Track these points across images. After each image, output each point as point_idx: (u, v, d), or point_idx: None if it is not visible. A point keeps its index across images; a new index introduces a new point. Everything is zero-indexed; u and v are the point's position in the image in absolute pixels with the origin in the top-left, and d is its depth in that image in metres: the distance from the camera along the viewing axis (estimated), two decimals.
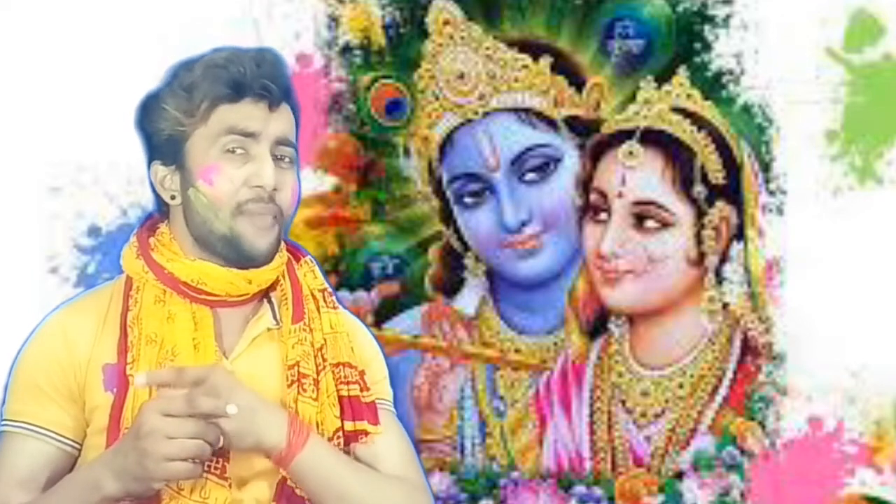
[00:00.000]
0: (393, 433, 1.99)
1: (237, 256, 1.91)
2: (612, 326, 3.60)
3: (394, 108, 3.63)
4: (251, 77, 1.90)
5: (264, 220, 1.91)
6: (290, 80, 1.96)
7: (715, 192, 3.51)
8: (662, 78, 3.52)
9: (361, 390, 1.95)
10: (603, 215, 3.56)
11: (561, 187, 3.58)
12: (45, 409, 1.90)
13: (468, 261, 3.66)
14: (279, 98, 1.92)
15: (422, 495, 1.96)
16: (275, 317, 1.96)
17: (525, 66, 3.57)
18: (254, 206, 1.90)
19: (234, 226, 1.90)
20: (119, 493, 1.79)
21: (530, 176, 3.59)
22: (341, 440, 1.93)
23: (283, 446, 1.83)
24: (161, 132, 1.93)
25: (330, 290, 2.02)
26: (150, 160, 1.96)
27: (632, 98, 3.54)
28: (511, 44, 3.58)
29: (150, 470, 1.75)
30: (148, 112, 1.94)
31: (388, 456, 1.96)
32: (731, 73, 3.49)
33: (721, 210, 3.51)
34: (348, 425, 1.93)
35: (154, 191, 1.98)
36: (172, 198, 1.95)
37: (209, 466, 1.85)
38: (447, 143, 3.62)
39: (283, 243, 2.01)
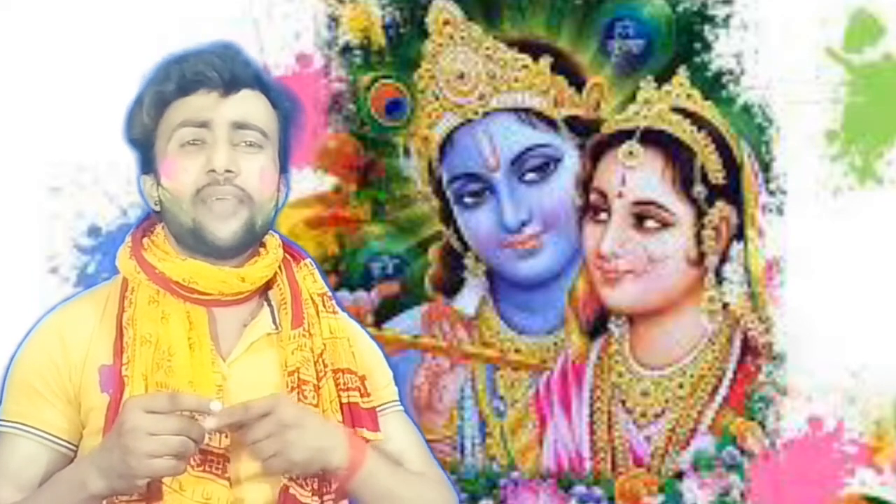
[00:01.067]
0: (411, 432, 2.03)
1: (205, 247, 1.92)
2: (612, 326, 3.60)
3: (394, 108, 3.63)
4: (194, 69, 1.92)
5: (223, 206, 1.90)
6: (253, 68, 1.97)
7: (715, 192, 3.51)
8: (662, 78, 3.52)
9: (361, 396, 1.96)
10: (603, 215, 3.56)
11: (561, 187, 3.58)
12: (40, 410, 1.90)
13: (468, 261, 3.66)
14: (231, 85, 1.93)
15: (447, 490, 2.03)
16: (274, 321, 1.95)
17: (525, 66, 3.57)
18: (210, 191, 1.90)
19: (196, 215, 1.91)
20: (104, 490, 1.79)
21: (530, 176, 3.59)
22: None
23: (345, 466, 1.85)
24: (135, 144, 1.98)
25: (329, 293, 2.02)
26: (139, 173, 2.00)
27: (632, 98, 3.54)
28: (511, 44, 3.58)
29: (133, 466, 1.75)
30: (126, 125, 1.99)
31: (412, 454, 2.01)
32: (731, 73, 3.49)
33: (721, 210, 3.51)
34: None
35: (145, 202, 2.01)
36: (156, 204, 1.97)
37: (210, 466, 1.85)
38: (447, 143, 3.62)
39: (279, 242, 2.00)
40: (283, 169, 2.01)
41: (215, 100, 1.92)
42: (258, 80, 1.96)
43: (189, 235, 1.92)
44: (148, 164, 1.97)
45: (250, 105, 1.94)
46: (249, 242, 1.94)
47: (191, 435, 1.77)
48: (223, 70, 1.92)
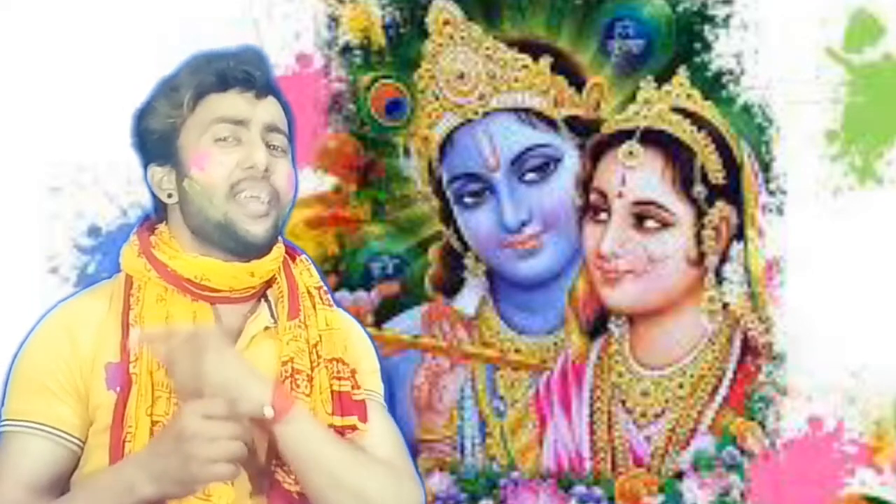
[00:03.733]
0: (383, 425, 1.99)
1: (234, 244, 1.92)
2: (612, 326, 3.60)
3: (394, 108, 3.63)
4: (234, 69, 1.95)
5: (257, 206, 1.92)
6: (273, 76, 2.01)
7: (715, 192, 3.51)
8: (662, 78, 3.52)
9: (352, 387, 1.96)
10: (603, 215, 3.56)
11: (561, 187, 3.58)
12: (51, 407, 1.89)
13: (468, 261, 3.66)
14: (264, 88, 1.97)
15: (409, 482, 1.95)
16: (272, 315, 1.96)
17: (525, 66, 3.57)
18: (246, 185, 1.91)
19: (228, 211, 1.91)
20: (155, 495, 1.78)
21: (530, 176, 3.59)
22: None
23: (263, 409, 1.82)
24: (154, 133, 1.96)
25: (325, 287, 2.03)
26: (147, 165, 1.99)
27: (632, 98, 3.54)
28: (511, 44, 3.58)
29: (195, 473, 1.75)
30: (140, 118, 1.98)
31: (379, 444, 1.96)
32: (731, 73, 3.49)
33: (721, 210, 3.51)
34: (337, 420, 1.93)
35: (152, 194, 2.00)
36: (169, 196, 1.97)
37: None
38: (447, 143, 3.62)
39: (280, 239, 2.02)
40: None
41: (251, 100, 1.95)
42: (276, 90, 2.00)
43: (216, 230, 1.93)
44: (164, 155, 1.96)
45: (276, 111, 1.98)
46: (274, 243, 1.97)
47: (245, 439, 1.78)
48: (260, 73, 1.96)
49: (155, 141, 1.96)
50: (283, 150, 1.97)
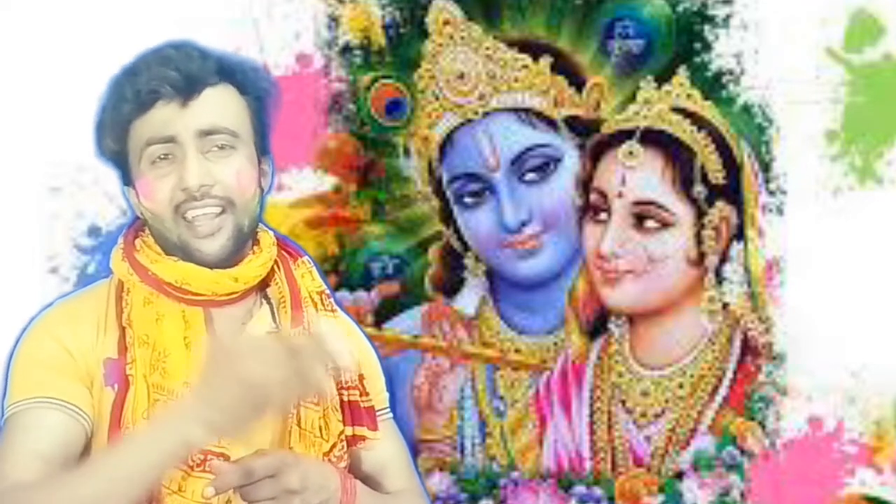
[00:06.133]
0: (397, 442, 2.01)
1: (196, 262, 1.88)
2: (612, 326, 3.60)
3: (394, 108, 3.63)
4: (147, 84, 1.86)
5: (205, 224, 1.86)
6: (213, 61, 1.88)
7: (715, 192, 3.51)
8: (662, 78, 3.52)
9: (361, 395, 1.95)
10: (603, 215, 3.56)
11: (561, 187, 3.58)
12: (61, 383, 1.83)
13: (468, 261, 3.66)
14: (188, 90, 1.86)
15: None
16: (274, 320, 1.94)
17: (525, 66, 3.57)
18: (188, 206, 1.86)
19: (181, 234, 1.88)
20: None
21: (530, 176, 3.59)
22: (345, 444, 1.93)
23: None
24: (110, 161, 1.93)
25: (328, 292, 2.00)
26: (122, 186, 1.96)
27: (632, 98, 3.54)
28: (511, 44, 3.57)
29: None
30: (96, 144, 1.94)
31: (395, 466, 1.98)
32: (731, 73, 3.49)
33: (721, 210, 3.51)
34: (348, 430, 1.93)
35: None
36: (142, 215, 1.94)
37: (209, 466, 1.83)
38: (447, 143, 3.62)
39: (273, 239, 1.97)
40: (265, 151, 1.95)
41: (176, 110, 1.86)
42: (221, 71, 1.89)
43: (177, 251, 1.89)
44: (127, 178, 1.93)
45: (215, 106, 1.87)
46: (240, 249, 1.91)
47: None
48: (177, 77, 1.85)
49: (114, 167, 1.94)
50: (229, 146, 1.87)
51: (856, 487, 3.48)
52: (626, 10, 3.53)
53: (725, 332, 3.54)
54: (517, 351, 3.66)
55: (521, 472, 3.63)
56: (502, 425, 3.65)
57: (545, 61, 3.56)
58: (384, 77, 3.63)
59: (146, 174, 1.88)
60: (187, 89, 1.86)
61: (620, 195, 3.54)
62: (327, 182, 3.64)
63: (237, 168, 1.88)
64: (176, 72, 1.85)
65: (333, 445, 1.91)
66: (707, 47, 3.50)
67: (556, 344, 3.63)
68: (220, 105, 1.88)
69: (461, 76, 3.59)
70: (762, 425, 3.52)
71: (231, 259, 1.90)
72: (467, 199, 3.63)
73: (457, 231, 3.65)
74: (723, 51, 3.49)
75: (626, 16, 3.53)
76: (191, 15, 3.34)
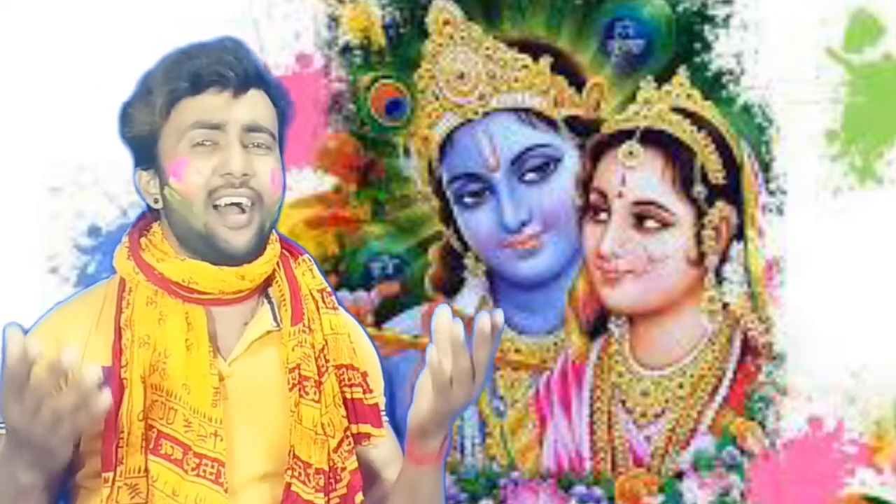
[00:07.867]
0: (394, 444, 2.01)
1: (216, 254, 1.89)
2: (612, 326, 3.60)
3: (394, 108, 3.63)
4: (209, 67, 1.88)
5: (237, 215, 1.88)
6: (258, 65, 1.93)
7: (715, 192, 3.51)
8: (662, 78, 3.52)
9: (364, 392, 1.95)
10: (603, 215, 3.56)
11: (561, 187, 3.58)
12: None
13: (468, 261, 3.66)
14: (242, 84, 1.90)
15: None
16: (275, 318, 1.94)
17: (525, 66, 3.57)
18: (225, 192, 1.87)
19: (208, 221, 1.88)
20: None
21: (530, 176, 3.59)
22: (351, 441, 1.93)
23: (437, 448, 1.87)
24: (136, 138, 1.93)
25: (329, 290, 2.00)
26: (135, 167, 1.96)
27: (632, 98, 3.54)
28: (511, 44, 3.58)
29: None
30: (124, 120, 1.94)
31: (394, 461, 1.99)
32: (731, 73, 3.49)
33: (721, 210, 3.51)
34: (353, 428, 1.93)
35: (142, 197, 1.97)
36: (156, 201, 1.94)
37: (204, 471, 1.82)
38: (447, 143, 3.62)
39: (276, 237, 1.97)
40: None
41: (227, 100, 1.89)
42: (262, 79, 1.93)
43: (199, 240, 1.89)
44: (148, 160, 1.93)
45: (259, 106, 1.92)
46: (261, 248, 1.92)
47: None
48: (237, 69, 1.89)
49: (136, 145, 1.94)
50: (266, 146, 1.91)
51: (856, 487, 3.48)
52: (626, 10, 3.53)
53: (725, 332, 3.54)
54: (517, 351, 3.66)
55: (521, 472, 3.63)
56: (502, 425, 3.65)
57: (545, 61, 3.56)
58: (384, 77, 3.63)
59: (184, 154, 1.89)
60: (242, 83, 1.90)
61: (620, 195, 3.54)
62: (327, 182, 3.64)
63: (272, 168, 1.91)
64: (235, 64, 1.89)
65: (340, 442, 1.91)
66: (707, 47, 3.50)
67: (556, 344, 3.63)
68: (262, 107, 1.92)
69: (461, 76, 3.59)
70: (762, 425, 3.52)
71: (252, 256, 1.91)
72: (467, 199, 3.63)
73: (457, 231, 3.65)
74: (723, 51, 3.49)
75: (626, 16, 3.53)
76: (191, 15, 3.34)
